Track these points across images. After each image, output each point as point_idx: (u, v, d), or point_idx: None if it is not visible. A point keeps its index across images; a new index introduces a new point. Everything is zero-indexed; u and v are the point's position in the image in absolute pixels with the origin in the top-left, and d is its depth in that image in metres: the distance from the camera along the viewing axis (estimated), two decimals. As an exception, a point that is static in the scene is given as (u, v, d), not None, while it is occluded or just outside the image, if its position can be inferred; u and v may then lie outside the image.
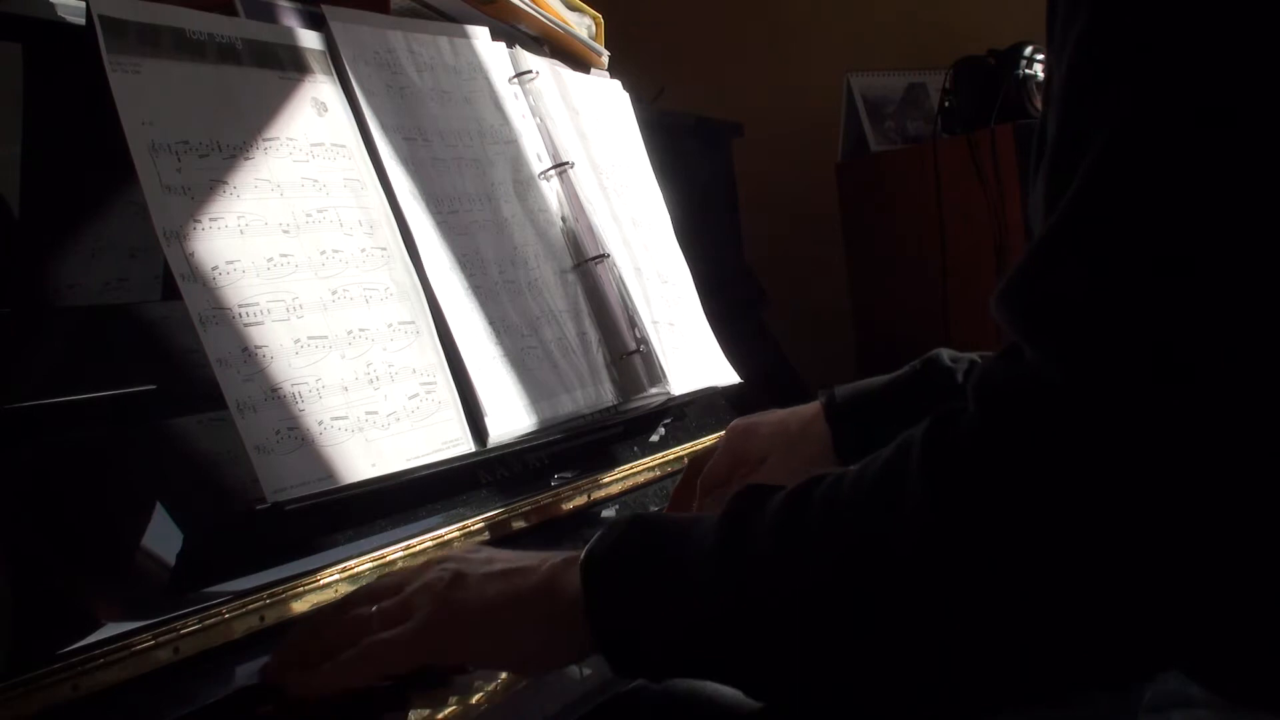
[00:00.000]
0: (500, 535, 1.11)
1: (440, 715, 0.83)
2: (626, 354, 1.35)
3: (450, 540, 1.06)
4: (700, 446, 1.50)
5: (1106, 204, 0.61)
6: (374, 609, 0.81)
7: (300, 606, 0.91)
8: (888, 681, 0.67)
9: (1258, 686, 0.72)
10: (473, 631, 0.78)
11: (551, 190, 1.36)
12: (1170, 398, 0.59)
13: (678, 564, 0.72)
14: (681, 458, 1.45)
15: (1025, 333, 0.63)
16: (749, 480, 1.18)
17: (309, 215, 1.04)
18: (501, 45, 1.38)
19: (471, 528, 1.09)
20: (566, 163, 1.38)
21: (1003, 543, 0.62)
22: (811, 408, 1.25)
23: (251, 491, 0.91)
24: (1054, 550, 0.61)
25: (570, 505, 1.22)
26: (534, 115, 1.39)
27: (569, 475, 1.26)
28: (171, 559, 0.87)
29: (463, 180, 1.24)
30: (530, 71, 1.40)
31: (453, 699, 0.85)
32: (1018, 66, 2.23)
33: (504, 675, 0.89)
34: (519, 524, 1.14)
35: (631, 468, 1.35)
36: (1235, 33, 0.59)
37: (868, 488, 0.67)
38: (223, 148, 0.99)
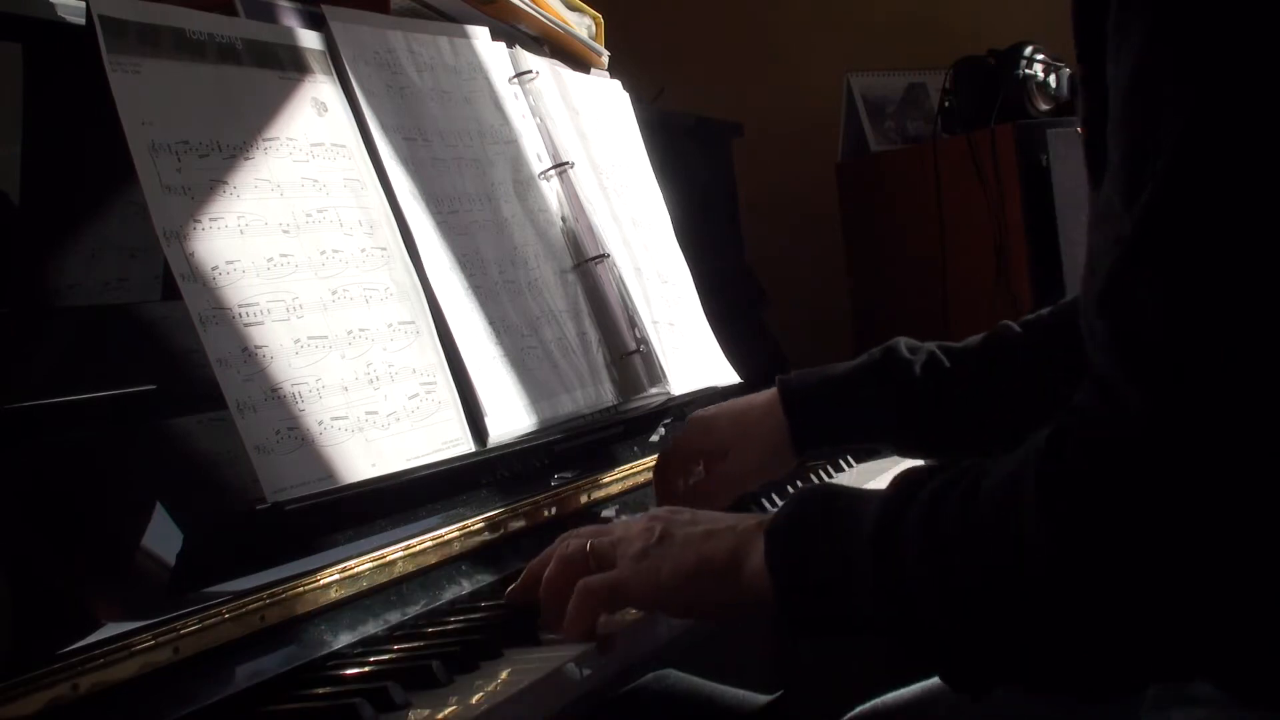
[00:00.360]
0: (500, 535, 1.11)
1: (440, 715, 0.83)
2: (626, 354, 1.35)
3: (450, 540, 1.06)
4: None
5: (1178, 216, 0.63)
6: (588, 544, 0.93)
7: (300, 606, 0.91)
8: (1007, 663, 0.74)
9: (1261, 682, 0.72)
10: (668, 588, 0.88)
11: (551, 190, 1.36)
12: (1255, 419, 0.62)
13: (843, 544, 0.79)
14: (681, 458, 1.45)
15: (1113, 364, 0.66)
16: (714, 472, 1.20)
17: (309, 215, 1.04)
18: (501, 45, 1.38)
19: (471, 528, 1.09)
20: (566, 163, 1.38)
21: (1118, 589, 0.67)
22: (767, 396, 1.25)
23: (251, 491, 0.91)
24: (1163, 584, 0.66)
25: (570, 505, 1.22)
26: (534, 115, 1.39)
27: (569, 475, 1.26)
28: (171, 559, 0.87)
29: (463, 180, 1.24)
30: (530, 71, 1.40)
31: (453, 699, 0.85)
32: (1018, 66, 2.23)
33: (503, 675, 0.89)
34: (519, 524, 1.14)
35: (631, 468, 1.34)
36: None
37: (993, 513, 0.72)
38: (223, 148, 0.99)
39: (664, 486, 1.24)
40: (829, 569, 0.79)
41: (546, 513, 1.18)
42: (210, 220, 0.95)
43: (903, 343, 1.25)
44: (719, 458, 1.22)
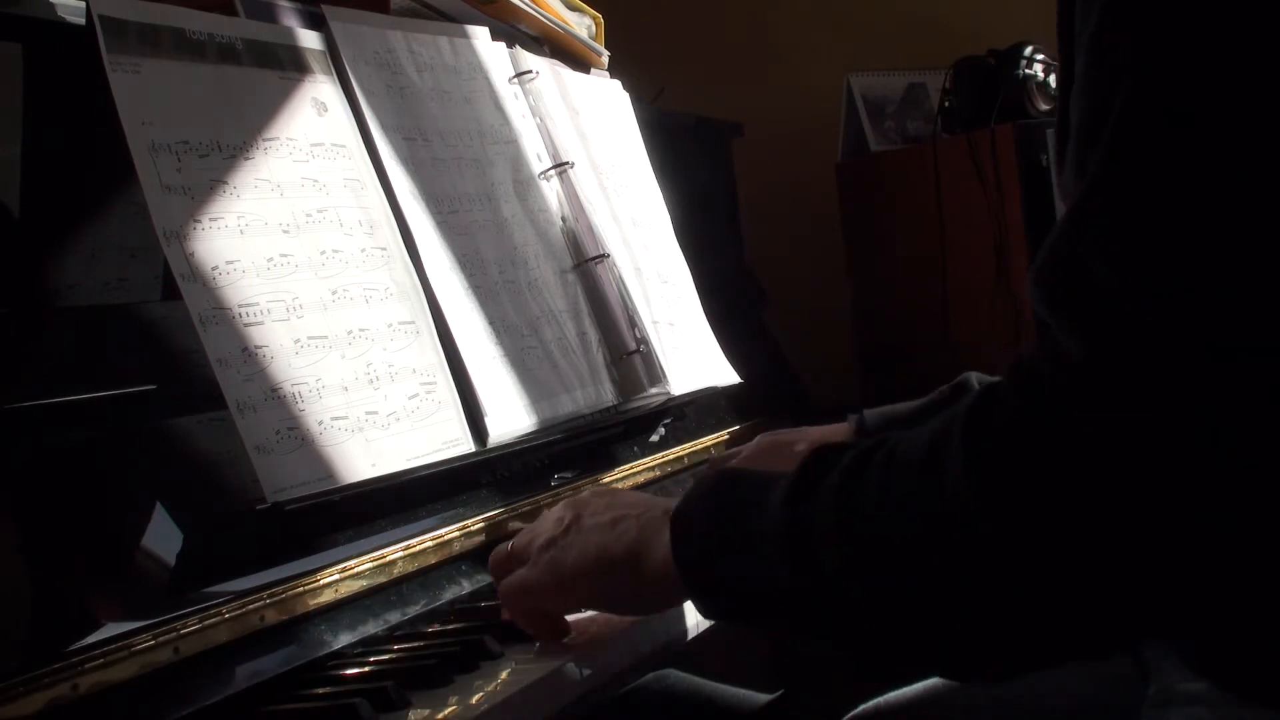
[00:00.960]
0: (500, 535, 1.11)
1: (440, 715, 0.83)
2: (626, 354, 1.35)
3: (450, 540, 1.06)
4: (708, 445, 1.50)
5: (1126, 179, 0.63)
6: (509, 545, 0.94)
7: (300, 606, 0.91)
8: (923, 643, 0.71)
9: (1259, 680, 0.72)
10: (573, 581, 0.88)
11: (551, 190, 1.36)
12: (1198, 375, 0.60)
13: (752, 522, 0.76)
14: (682, 458, 1.45)
15: (1055, 316, 0.65)
16: None
17: (309, 215, 1.04)
18: (501, 45, 1.38)
19: (471, 528, 1.09)
20: (566, 163, 1.38)
21: (1040, 528, 0.64)
22: (841, 429, 1.25)
23: (251, 491, 0.91)
24: (1084, 534, 0.63)
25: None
26: (534, 115, 1.39)
27: (569, 475, 1.26)
28: (171, 559, 0.87)
29: (463, 180, 1.24)
30: (530, 71, 1.40)
31: (453, 699, 0.85)
32: (1018, 66, 2.23)
33: (503, 675, 0.89)
34: (519, 524, 1.14)
35: (631, 467, 1.34)
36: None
37: (916, 469, 0.69)
38: (223, 148, 0.99)
39: None
40: (739, 554, 0.77)
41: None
42: (210, 220, 0.95)
43: (974, 377, 1.25)
44: None
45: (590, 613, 0.96)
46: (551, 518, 0.92)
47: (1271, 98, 0.60)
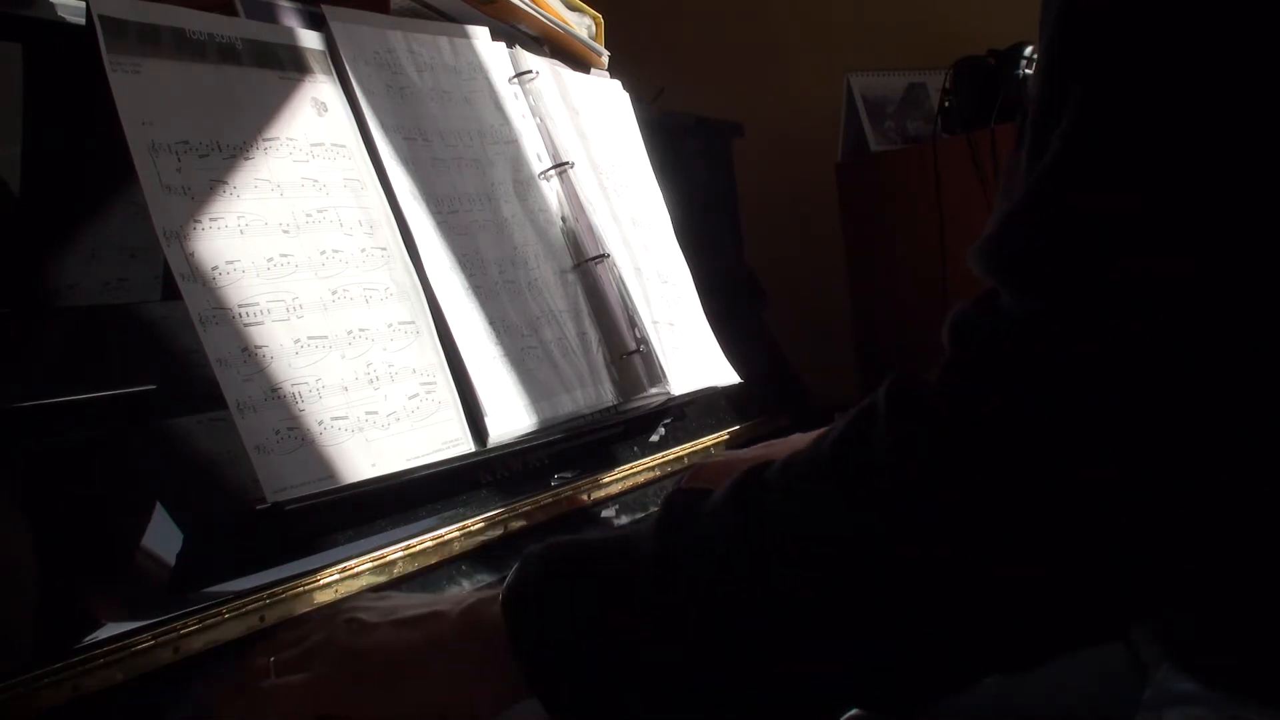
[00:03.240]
0: (500, 535, 1.11)
1: (440, 715, 0.82)
2: (626, 354, 1.35)
3: (450, 540, 1.06)
4: (708, 445, 1.50)
5: (1088, 154, 0.62)
6: (271, 660, 0.76)
7: (300, 606, 0.91)
8: (867, 664, 0.63)
9: (1247, 678, 0.72)
10: (378, 684, 0.72)
11: (551, 190, 1.36)
12: (1151, 329, 0.59)
13: (612, 583, 0.66)
14: (682, 458, 1.45)
15: (1010, 277, 0.63)
16: None
17: (309, 215, 1.04)
18: (501, 45, 1.38)
19: (471, 528, 1.09)
20: (566, 163, 1.38)
21: (984, 481, 0.60)
22: (796, 441, 1.25)
23: (251, 491, 0.91)
24: (1029, 490, 0.59)
25: (570, 505, 1.22)
26: (534, 115, 1.39)
27: (569, 475, 1.26)
28: (171, 559, 0.87)
29: (463, 180, 1.24)
30: (530, 71, 1.40)
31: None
32: (1018, 66, 2.23)
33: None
34: (519, 524, 1.14)
35: (631, 468, 1.35)
36: None
37: (829, 455, 0.63)
38: (223, 148, 0.99)
39: None
40: (591, 593, 0.65)
41: (546, 513, 1.18)
42: (210, 220, 0.95)
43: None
44: None
45: None
46: (329, 624, 0.77)
47: (1226, 73, 0.60)
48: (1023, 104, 0.79)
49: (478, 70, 1.33)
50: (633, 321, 1.37)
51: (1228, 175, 0.60)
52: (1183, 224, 0.60)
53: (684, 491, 0.68)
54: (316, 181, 1.06)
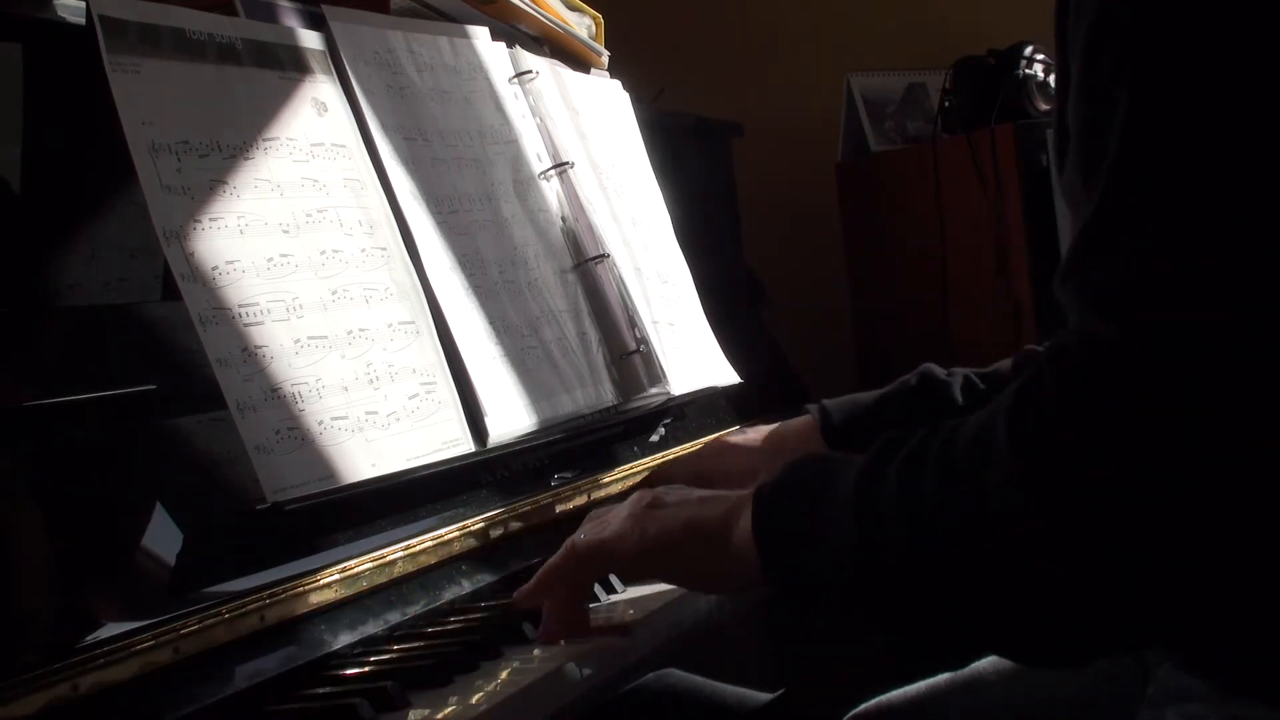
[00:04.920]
0: (500, 535, 1.11)
1: (440, 715, 0.83)
2: (626, 354, 1.35)
3: (450, 540, 1.06)
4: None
5: (1141, 175, 0.66)
6: (583, 535, 0.93)
7: (300, 606, 0.91)
8: (987, 624, 0.72)
9: (1248, 677, 0.72)
10: (654, 546, 0.88)
11: (551, 190, 1.36)
12: (1234, 354, 0.63)
13: (823, 508, 0.78)
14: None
15: (1087, 308, 0.68)
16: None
17: (309, 215, 1.04)
18: (501, 45, 1.38)
19: (471, 528, 1.09)
20: (566, 163, 1.38)
21: (1088, 510, 0.66)
22: (802, 422, 1.26)
23: (251, 491, 0.91)
24: (1123, 518, 0.65)
25: (570, 505, 1.22)
26: (534, 115, 1.39)
27: (569, 475, 1.26)
28: (171, 559, 0.87)
29: (463, 180, 1.24)
30: (530, 71, 1.40)
31: (453, 699, 0.85)
32: (1017, 66, 2.23)
33: (503, 675, 0.89)
34: (519, 524, 1.14)
35: (631, 468, 1.34)
36: None
37: (966, 462, 0.71)
38: (223, 148, 0.99)
39: None
40: (811, 531, 0.79)
41: (546, 513, 1.18)
42: (210, 220, 0.95)
43: (934, 368, 1.26)
44: (737, 480, 1.19)
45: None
46: (629, 500, 0.93)
47: (1265, 94, 0.63)
48: (1056, 128, 0.81)
49: (478, 70, 1.33)
50: (633, 321, 1.37)
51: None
52: (1241, 254, 0.64)
53: (888, 440, 0.78)
54: (316, 181, 1.06)
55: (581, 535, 0.93)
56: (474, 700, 0.85)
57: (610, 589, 1.10)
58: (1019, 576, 0.68)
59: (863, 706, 1.07)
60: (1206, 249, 0.64)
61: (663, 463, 1.35)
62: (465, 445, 1.09)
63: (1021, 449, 0.67)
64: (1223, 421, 0.63)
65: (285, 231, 1.01)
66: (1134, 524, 0.65)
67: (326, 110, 1.11)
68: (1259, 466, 0.63)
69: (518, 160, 1.33)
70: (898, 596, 0.74)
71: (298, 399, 0.95)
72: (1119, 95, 0.67)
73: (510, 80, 1.37)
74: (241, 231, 0.97)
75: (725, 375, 1.54)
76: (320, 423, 0.96)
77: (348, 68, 1.15)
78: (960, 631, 0.74)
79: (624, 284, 1.38)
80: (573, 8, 1.63)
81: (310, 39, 1.13)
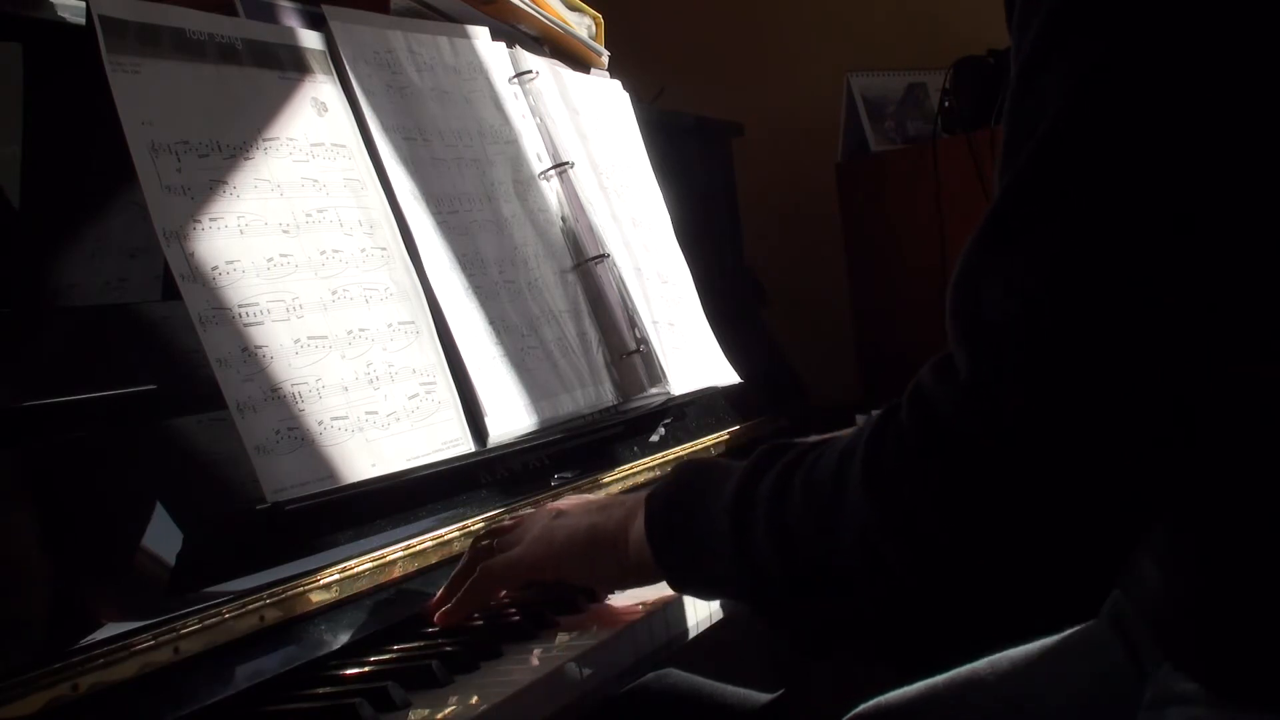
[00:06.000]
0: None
1: (440, 715, 0.83)
2: (626, 354, 1.35)
3: (450, 540, 1.06)
4: (708, 445, 1.50)
5: (1020, 206, 0.66)
6: (494, 542, 1.00)
7: (300, 606, 0.91)
8: (841, 635, 0.80)
9: (1249, 683, 0.72)
10: (563, 554, 0.96)
11: (551, 190, 1.36)
12: (1079, 403, 0.64)
13: (706, 518, 0.85)
14: (681, 458, 1.45)
15: (951, 328, 0.69)
16: None
17: (309, 215, 1.04)
18: (501, 45, 1.38)
19: (471, 528, 1.09)
20: (566, 163, 1.38)
21: (934, 560, 0.70)
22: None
23: (251, 491, 0.91)
24: (959, 555, 0.69)
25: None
26: (534, 115, 1.39)
27: (569, 475, 1.26)
28: (171, 559, 0.87)
29: (463, 180, 1.24)
30: (530, 71, 1.40)
31: (453, 699, 0.85)
32: (1018, 66, 2.22)
33: (503, 675, 0.89)
34: (519, 524, 1.14)
35: (631, 468, 1.34)
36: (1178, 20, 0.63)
37: (827, 488, 0.75)
38: (223, 148, 0.99)
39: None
40: (695, 537, 0.85)
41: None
42: (210, 220, 0.95)
43: None
44: None
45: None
46: (540, 512, 1.01)
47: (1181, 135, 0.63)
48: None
49: (478, 70, 1.33)
50: (633, 321, 1.37)
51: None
52: (1115, 299, 0.63)
53: (770, 448, 0.83)
54: (316, 181, 1.06)
55: (494, 541, 1.01)
56: (474, 700, 0.85)
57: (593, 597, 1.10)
58: (869, 594, 0.74)
59: (862, 707, 1.07)
60: (1072, 291, 0.64)
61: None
62: (465, 445, 1.09)
63: (870, 480, 0.71)
64: (1057, 475, 0.65)
65: (285, 231, 1.01)
66: (960, 568, 0.69)
67: (326, 110, 1.11)
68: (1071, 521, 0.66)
69: (518, 160, 1.33)
70: (772, 602, 0.80)
71: (298, 399, 0.95)
72: (1042, 109, 0.68)
73: (510, 80, 1.37)
74: (241, 231, 0.97)
75: (725, 375, 1.54)
76: (320, 423, 0.96)
77: (348, 68, 1.15)
78: (827, 635, 0.80)
79: (624, 284, 1.38)
80: (573, 8, 1.62)
81: (310, 39, 1.13)
